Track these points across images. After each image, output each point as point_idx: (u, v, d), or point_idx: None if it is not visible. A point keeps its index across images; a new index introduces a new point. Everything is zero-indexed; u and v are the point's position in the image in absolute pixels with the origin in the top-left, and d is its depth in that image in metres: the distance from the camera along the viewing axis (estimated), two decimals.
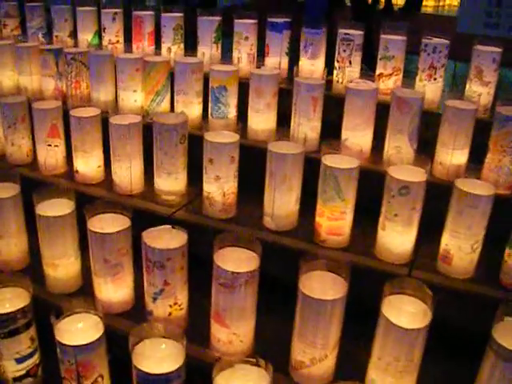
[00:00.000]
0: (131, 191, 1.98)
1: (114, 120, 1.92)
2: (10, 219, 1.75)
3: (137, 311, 1.64)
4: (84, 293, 1.70)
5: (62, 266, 1.66)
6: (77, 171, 2.04)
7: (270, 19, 2.48)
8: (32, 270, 1.78)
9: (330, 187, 1.65)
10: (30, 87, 2.54)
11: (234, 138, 1.81)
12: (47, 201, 1.70)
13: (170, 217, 1.88)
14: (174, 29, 2.57)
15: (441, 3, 9.60)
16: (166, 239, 1.49)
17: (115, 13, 2.68)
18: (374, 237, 1.71)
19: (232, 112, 2.17)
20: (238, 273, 1.35)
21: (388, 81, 2.26)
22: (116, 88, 2.36)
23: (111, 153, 1.96)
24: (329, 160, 1.68)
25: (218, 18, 2.53)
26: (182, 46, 2.62)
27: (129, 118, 1.96)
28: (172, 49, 2.59)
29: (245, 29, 2.49)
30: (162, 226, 1.52)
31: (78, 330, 1.38)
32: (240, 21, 2.51)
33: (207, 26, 2.51)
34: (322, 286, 1.36)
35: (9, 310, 1.40)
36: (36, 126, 2.07)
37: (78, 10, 2.77)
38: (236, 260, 1.41)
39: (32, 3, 2.93)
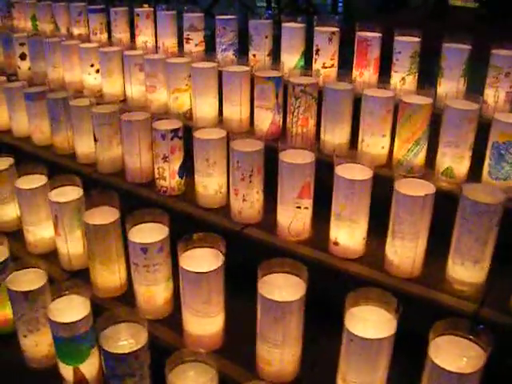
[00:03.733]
0: (411, 275, 1.63)
1: (401, 187, 1.57)
2: None
3: None
4: None
5: None
6: (336, 243, 1.70)
7: None
8: None
9: None
10: (236, 118, 2.25)
11: None
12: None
13: (473, 315, 1.50)
14: (411, 56, 2.21)
15: None
16: None
17: (333, 32, 2.34)
18: None
19: None
20: None
21: None
22: (354, 130, 2.03)
23: (393, 227, 1.59)
24: None
25: (468, 48, 2.15)
26: (416, 76, 2.26)
27: (417, 185, 1.60)
28: (406, 79, 2.24)
29: (507, 63, 2.10)
30: None
31: None
32: (500, 52, 2.11)
33: (456, 55, 2.14)
34: None
35: None
36: (283, 183, 1.72)
37: (284, 27, 2.44)
38: None
39: (225, 16, 2.65)
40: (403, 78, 2.23)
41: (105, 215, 1.70)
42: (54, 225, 1.83)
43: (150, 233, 1.59)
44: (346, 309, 1.31)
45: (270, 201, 1.89)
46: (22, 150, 2.55)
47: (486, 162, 1.82)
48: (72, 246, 1.83)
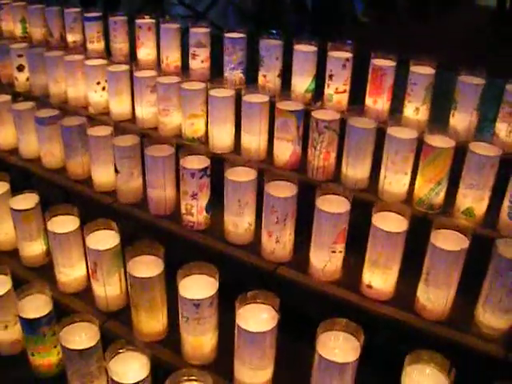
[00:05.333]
0: (441, 318, 1.77)
1: (436, 238, 1.73)
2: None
3: None
4: None
5: None
6: (369, 286, 1.85)
7: None
8: None
9: None
10: (255, 147, 2.36)
11: None
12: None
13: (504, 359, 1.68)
14: (425, 88, 2.34)
15: None
16: None
17: (347, 58, 2.45)
18: None
19: None
20: None
21: None
22: (375, 166, 2.18)
23: (426, 276, 1.74)
24: None
25: (484, 81, 2.29)
26: (429, 106, 2.40)
27: (450, 235, 1.76)
28: (420, 109, 2.38)
29: None
30: None
31: None
32: None
33: (471, 89, 2.26)
34: None
35: None
36: (320, 230, 1.85)
37: (296, 50, 2.54)
38: None
39: (234, 33, 2.73)
40: (417, 109, 2.37)
41: (149, 265, 1.81)
42: (92, 270, 1.93)
43: (199, 285, 1.71)
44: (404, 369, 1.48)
45: (298, 236, 2.04)
46: (33, 172, 2.62)
47: (506, 203, 1.99)
48: (110, 290, 1.94)
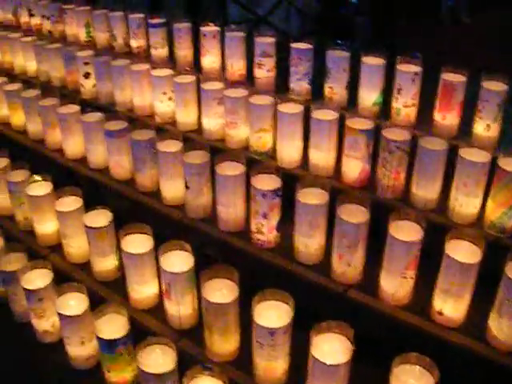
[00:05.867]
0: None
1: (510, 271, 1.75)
2: None
3: None
4: None
5: None
6: (440, 313, 1.88)
7: None
8: None
9: None
10: (323, 164, 2.39)
11: None
12: None
13: None
14: (497, 105, 2.34)
15: None
16: None
17: (416, 73, 2.46)
18: None
19: None
20: None
21: None
22: (446, 187, 2.19)
23: (499, 306, 1.75)
24: None
25: None
26: (501, 122, 2.39)
27: None
28: (491, 126, 2.38)
29: None
30: None
31: None
32: None
33: None
34: None
35: None
36: (392, 256, 1.88)
37: (363, 63, 2.56)
38: None
39: (300, 44, 2.77)
40: (488, 125, 2.37)
41: (223, 289, 1.88)
42: (165, 290, 2.00)
43: (273, 312, 1.77)
44: None
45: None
46: (101, 182, 2.72)
47: None
48: (183, 309, 2.01)
